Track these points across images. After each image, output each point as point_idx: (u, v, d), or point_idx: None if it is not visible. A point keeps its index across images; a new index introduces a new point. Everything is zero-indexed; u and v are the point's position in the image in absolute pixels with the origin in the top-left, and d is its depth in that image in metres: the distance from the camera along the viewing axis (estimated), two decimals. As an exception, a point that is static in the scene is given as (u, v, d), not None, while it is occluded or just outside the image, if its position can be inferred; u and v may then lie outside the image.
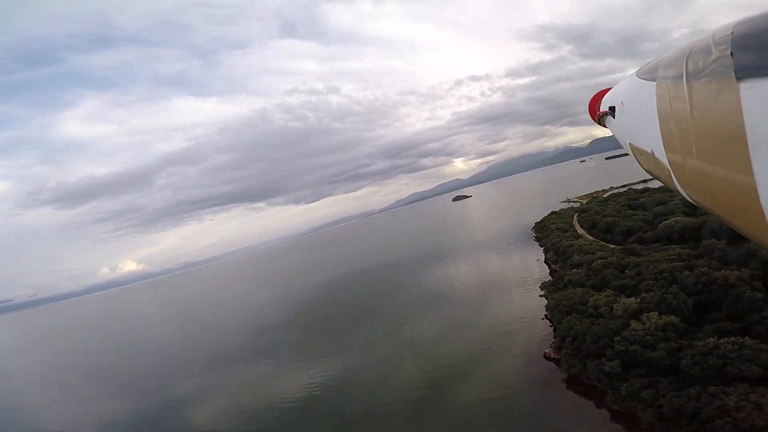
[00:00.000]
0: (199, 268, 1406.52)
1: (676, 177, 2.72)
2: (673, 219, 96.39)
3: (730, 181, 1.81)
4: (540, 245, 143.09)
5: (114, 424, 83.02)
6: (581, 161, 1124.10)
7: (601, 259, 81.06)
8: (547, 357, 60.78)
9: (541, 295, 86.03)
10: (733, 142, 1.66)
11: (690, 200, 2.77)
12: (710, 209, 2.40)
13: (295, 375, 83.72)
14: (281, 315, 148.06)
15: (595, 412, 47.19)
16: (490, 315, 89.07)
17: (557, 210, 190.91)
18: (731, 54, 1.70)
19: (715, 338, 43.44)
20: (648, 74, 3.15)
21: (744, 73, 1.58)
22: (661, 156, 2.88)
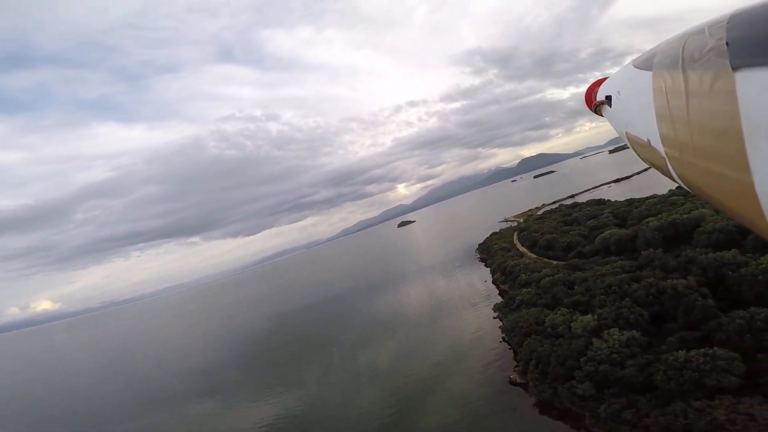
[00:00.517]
0: (127, 306, 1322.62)
1: (671, 166, 2.66)
2: (608, 231, 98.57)
3: (726, 170, 1.79)
4: (486, 266, 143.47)
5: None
6: (512, 181, 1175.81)
7: (548, 276, 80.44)
8: (512, 382, 57.99)
9: (494, 317, 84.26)
10: (729, 131, 1.65)
11: (685, 188, 2.71)
12: (706, 197, 2.35)
13: (247, 412, 78.18)
14: (225, 352, 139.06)
15: (576, 435, 45.07)
16: (446, 339, 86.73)
17: (497, 230, 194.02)
18: (727, 43, 1.69)
19: (685, 351, 42.30)
20: (644, 63, 3.05)
21: (739, 62, 1.57)
22: (657, 145, 2.80)
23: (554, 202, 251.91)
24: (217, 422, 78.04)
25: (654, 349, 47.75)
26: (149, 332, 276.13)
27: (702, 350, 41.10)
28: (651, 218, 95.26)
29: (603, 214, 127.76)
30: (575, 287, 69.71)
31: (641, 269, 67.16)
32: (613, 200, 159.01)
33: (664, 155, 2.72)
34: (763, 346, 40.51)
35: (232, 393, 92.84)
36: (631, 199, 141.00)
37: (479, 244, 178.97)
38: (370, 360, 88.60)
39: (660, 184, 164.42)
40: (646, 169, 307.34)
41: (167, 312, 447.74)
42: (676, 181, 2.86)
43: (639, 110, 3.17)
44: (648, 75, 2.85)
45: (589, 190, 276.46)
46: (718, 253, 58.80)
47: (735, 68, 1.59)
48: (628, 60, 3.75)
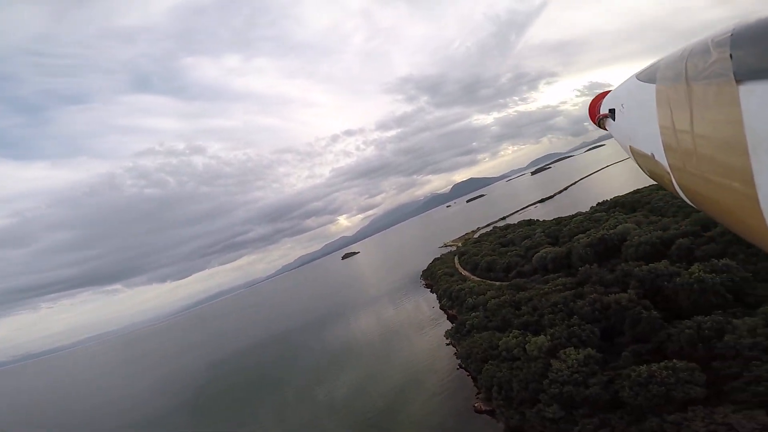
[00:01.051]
0: (46, 357, 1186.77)
1: (675, 180, 2.64)
2: (543, 250, 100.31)
3: (730, 184, 1.77)
4: (431, 291, 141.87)
5: None
6: (447, 206, 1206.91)
7: (494, 298, 79.46)
8: (478, 410, 55.12)
9: (447, 344, 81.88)
10: (733, 144, 1.63)
11: (689, 203, 2.70)
12: (709, 212, 2.36)
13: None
14: (165, 402, 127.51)
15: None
16: (403, 369, 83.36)
17: (439, 256, 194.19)
18: (730, 56, 1.66)
19: (647, 366, 41.37)
20: (648, 76, 3.03)
21: (743, 75, 1.55)
22: (661, 158, 2.78)
23: (488, 225, 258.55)
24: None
25: (612, 365, 46.82)
26: (73, 385, 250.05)
27: (663, 364, 40.43)
28: (581, 235, 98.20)
29: (535, 233, 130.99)
30: (522, 307, 68.79)
31: (581, 285, 67.59)
32: (542, 219, 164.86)
33: (668, 170, 2.65)
34: (716, 354, 40.44)
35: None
36: (559, 217, 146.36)
37: (423, 271, 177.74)
38: (328, 396, 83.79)
39: (580, 203, 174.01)
40: (566, 188, 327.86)
41: (92, 362, 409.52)
42: (679, 196, 2.78)
43: (643, 123, 3.10)
44: (651, 88, 2.79)
45: (518, 211, 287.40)
46: (651, 264, 60.07)
47: (739, 81, 1.56)
48: (633, 74, 3.60)
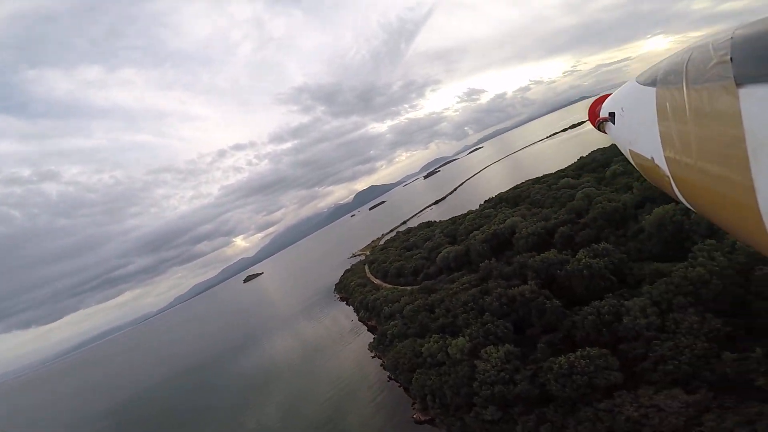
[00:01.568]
0: None
1: (675, 184, 2.62)
2: (445, 250, 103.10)
3: (730, 188, 1.78)
4: (347, 304, 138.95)
5: None
6: (351, 216, 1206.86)
7: (409, 304, 79.34)
8: (417, 421, 53.65)
9: (373, 356, 79.95)
10: (733, 148, 1.63)
11: (689, 207, 2.68)
12: (709, 216, 2.33)
13: None
14: None
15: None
16: (332, 385, 79.56)
17: (350, 267, 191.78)
18: (731, 59, 1.67)
19: (565, 357, 42.31)
20: (648, 80, 3.00)
21: (744, 78, 1.56)
22: (661, 162, 2.75)
23: (391, 231, 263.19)
24: None
25: (531, 357, 47.83)
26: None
27: (579, 353, 41.57)
28: (476, 232, 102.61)
29: (435, 234, 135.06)
30: (436, 310, 69.11)
31: (485, 281, 69.87)
32: (439, 220, 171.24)
33: (668, 173, 2.61)
34: (620, 337, 42.69)
35: None
36: (454, 217, 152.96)
37: (336, 284, 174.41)
38: (258, 422, 77.79)
39: (469, 202, 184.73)
40: (455, 189, 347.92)
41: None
42: (678, 201, 2.73)
43: (642, 127, 3.02)
44: (651, 91, 2.76)
45: (417, 214, 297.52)
46: (542, 254, 63.66)
47: (739, 84, 1.57)
48: (633, 77, 3.57)
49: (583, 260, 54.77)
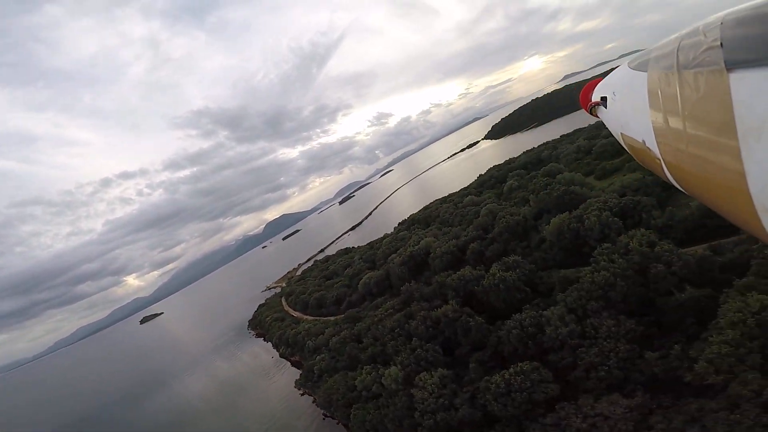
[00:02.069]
0: None
1: (666, 167, 2.64)
2: (365, 276, 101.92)
3: (720, 171, 1.80)
4: (265, 340, 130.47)
5: None
6: (263, 247, 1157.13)
7: (335, 335, 76.24)
8: None
9: (302, 394, 74.80)
10: (723, 132, 1.65)
11: (680, 189, 2.69)
12: (700, 198, 2.35)
13: None
14: None
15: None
16: (261, 426, 73.14)
17: (264, 302, 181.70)
18: (721, 44, 1.68)
19: (499, 376, 42.01)
20: (639, 65, 3.02)
21: (734, 63, 1.57)
22: (652, 146, 2.77)
23: (309, 260, 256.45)
24: None
25: (466, 379, 47.30)
26: None
27: (512, 370, 41.57)
28: (393, 255, 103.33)
29: (354, 260, 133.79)
30: (364, 340, 66.87)
31: (407, 304, 69.61)
32: (357, 246, 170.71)
33: (659, 156, 2.63)
34: (546, 348, 43.66)
35: None
36: (372, 241, 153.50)
37: (249, 321, 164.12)
38: None
39: (385, 225, 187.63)
40: (370, 214, 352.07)
41: None
42: (670, 183, 2.75)
43: (634, 111, 3.06)
44: (643, 76, 2.77)
45: (335, 241, 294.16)
46: (459, 272, 64.93)
47: (729, 69, 1.59)
48: (625, 62, 3.56)
49: (497, 274, 56.46)
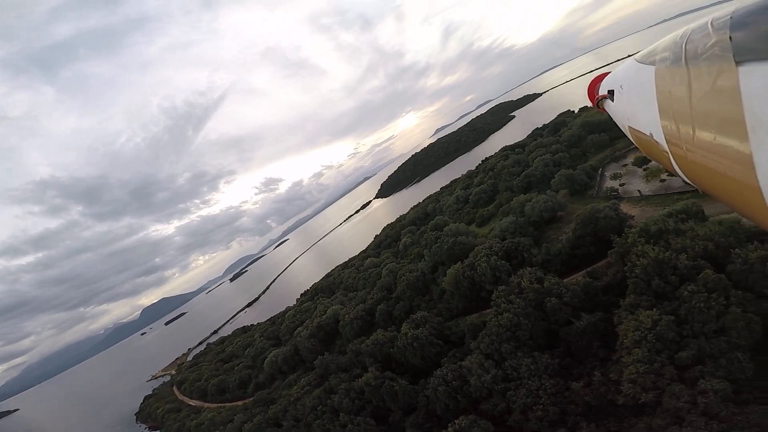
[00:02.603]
0: None
1: (674, 159, 2.58)
2: (271, 354, 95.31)
3: (729, 164, 1.75)
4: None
5: None
6: (142, 334, 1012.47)
7: (246, 422, 68.05)
8: None
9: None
10: (732, 125, 1.61)
11: (688, 182, 2.64)
12: (709, 191, 2.30)
13: None
14: None
15: None
16: None
17: (151, 392, 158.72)
18: (730, 38, 1.64)
19: None
20: (647, 58, 2.96)
21: (743, 56, 1.53)
22: (660, 138, 2.72)
23: (201, 343, 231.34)
24: None
25: None
26: None
27: (450, 429, 40.34)
28: (300, 328, 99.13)
29: (255, 339, 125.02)
30: (283, 423, 61.18)
31: (325, 378, 66.24)
32: (257, 323, 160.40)
33: (667, 149, 2.62)
34: (476, 398, 43.45)
35: None
36: (273, 317, 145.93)
37: (137, 413, 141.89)
38: None
39: (286, 298, 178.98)
40: (267, 288, 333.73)
41: None
42: (678, 175, 2.73)
43: (641, 104, 3.04)
44: (651, 69, 2.74)
45: (229, 320, 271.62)
46: (372, 337, 64.45)
47: (738, 62, 1.55)
48: (629, 58, 3.64)
49: (409, 333, 57.23)
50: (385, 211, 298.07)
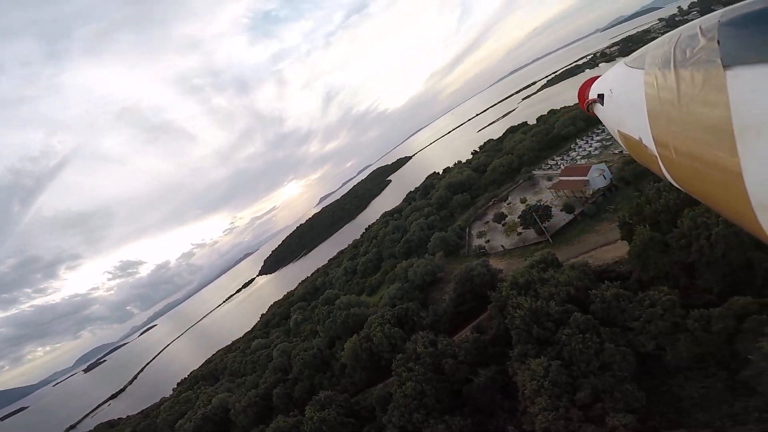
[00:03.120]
0: None
1: (663, 164, 2.56)
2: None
3: (717, 168, 1.74)
4: None
5: None
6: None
7: None
8: None
9: None
10: (720, 130, 1.60)
11: (676, 186, 2.62)
12: (696, 195, 2.30)
13: None
14: None
15: None
16: None
17: None
18: (718, 42, 1.64)
19: None
20: (636, 62, 2.95)
21: (730, 60, 1.53)
22: (649, 143, 2.69)
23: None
24: None
25: None
26: None
27: None
28: (181, 421, 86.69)
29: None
30: None
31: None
32: (126, 416, 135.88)
33: (656, 153, 2.63)
34: None
35: None
36: (145, 409, 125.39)
37: None
38: None
39: (159, 389, 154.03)
40: (135, 378, 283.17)
41: None
42: (666, 180, 2.74)
43: (631, 108, 3.03)
44: (640, 73, 2.75)
45: (90, 414, 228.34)
46: (273, 425, 58.54)
47: (726, 66, 1.54)
48: (621, 60, 3.58)
49: (315, 416, 53.58)
50: (271, 288, 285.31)
